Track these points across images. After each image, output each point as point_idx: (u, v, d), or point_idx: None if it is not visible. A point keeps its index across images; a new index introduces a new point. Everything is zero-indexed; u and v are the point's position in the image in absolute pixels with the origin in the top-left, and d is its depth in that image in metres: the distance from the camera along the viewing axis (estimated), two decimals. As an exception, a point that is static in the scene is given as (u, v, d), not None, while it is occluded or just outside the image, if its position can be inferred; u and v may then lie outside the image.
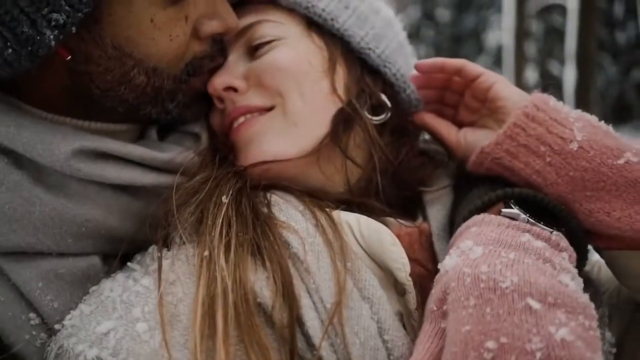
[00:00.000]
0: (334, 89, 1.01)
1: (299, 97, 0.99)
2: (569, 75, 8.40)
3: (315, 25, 1.05)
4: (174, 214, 0.87)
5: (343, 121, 1.00)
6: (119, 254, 0.89)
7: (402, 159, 1.05)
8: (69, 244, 0.87)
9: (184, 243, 0.85)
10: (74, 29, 0.82)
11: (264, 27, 1.03)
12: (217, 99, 1.03)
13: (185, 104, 0.97)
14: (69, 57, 0.86)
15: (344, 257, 0.84)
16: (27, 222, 0.84)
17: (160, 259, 0.83)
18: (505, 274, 0.72)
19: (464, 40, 22.81)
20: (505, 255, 0.75)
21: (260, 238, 0.85)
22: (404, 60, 1.12)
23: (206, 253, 0.81)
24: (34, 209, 0.84)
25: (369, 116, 1.03)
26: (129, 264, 0.87)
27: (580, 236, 0.91)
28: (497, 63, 20.70)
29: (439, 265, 0.81)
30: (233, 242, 0.83)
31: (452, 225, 0.97)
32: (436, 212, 1.00)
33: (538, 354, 0.64)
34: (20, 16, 0.79)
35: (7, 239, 0.83)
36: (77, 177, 0.87)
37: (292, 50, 1.01)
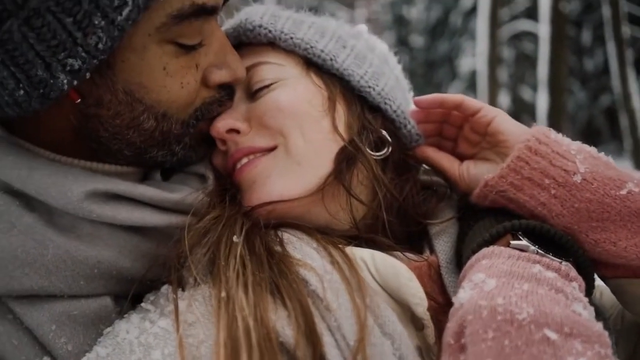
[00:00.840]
0: (335, 128, 1.01)
1: (300, 137, 0.99)
2: (542, 101, 8.60)
3: (314, 65, 1.06)
4: (186, 255, 0.87)
5: (346, 159, 1.01)
6: (130, 294, 0.89)
7: (407, 195, 1.06)
8: (81, 286, 0.87)
9: (198, 284, 0.85)
10: (87, 75, 0.83)
11: (264, 70, 1.04)
12: (220, 141, 1.04)
13: (191, 146, 0.98)
14: (79, 100, 0.87)
15: (362, 293, 0.84)
16: (39, 265, 0.84)
17: (176, 300, 0.82)
18: (521, 306, 0.72)
19: (437, 65, 23.19)
20: (519, 287, 0.76)
21: (277, 276, 0.84)
22: (402, 95, 1.13)
23: (223, 294, 0.81)
24: (47, 251, 0.84)
25: (371, 152, 1.03)
26: (142, 304, 0.86)
27: (588, 266, 0.93)
28: (470, 88, 21.07)
29: (453, 299, 0.81)
30: (250, 281, 0.82)
31: (459, 257, 0.99)
32: (443, 245, 1.01)
33: None
34: (36, 59, 0.79)
35: (20, 282, 0.83)
36: (89, 218, 0.88)
37: (292, 91, 1.02)
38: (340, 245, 0.93)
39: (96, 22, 0.79)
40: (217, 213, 0.94)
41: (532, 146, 0.95)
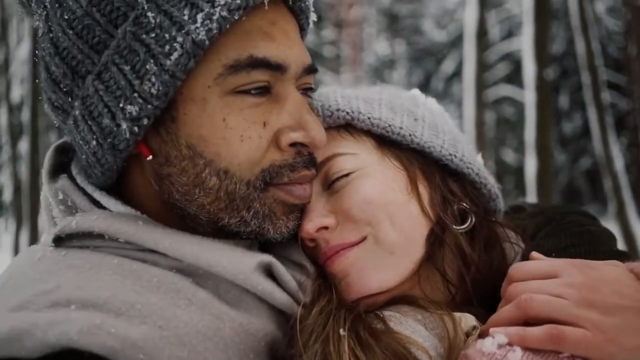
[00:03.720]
0: (422, 209, 1.01)
1: (390, 226, 0.99)
2: (530, 165, 8.76)
3: (387, 145, 1.06)
4: (301, 353, 0.88)
5: (436, 240, 1.01)
6: None
7: (495, 268, 1.04)
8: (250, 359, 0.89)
9: None
10: (146, 122, 0.87)
11: (339, 162, 1.03)
12: (309, 240, 1.02)
13: (264, 215, 0.94)
14: (151, 157, 0.90)
15: None
16: (218, 340, 0.85)
17: None
18: None
19: (419, 128, 23.69)
20: None
21: (389, 353, 0.85)
22: (473, 153, 1.13)
23: None
24: (224, 325, 0.87)
25: (457, 227, 1.02)
26: None
27: None
28: (452, 150, 21.50)
29: (478, 342, 0.82)
30: None
31: None
32: None
33: None
34: (104, 110, 0.87)
35: (204, 357, 0.83)
36: (253, 291, 0.91)
37: (373, 180, 1.01)
38: (447, 311, 0.93)
39: (149, 68, 0.84)
40: (321, 306, 0.94)
41: None
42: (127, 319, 0.80)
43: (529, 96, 8.94)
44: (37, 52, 0.98)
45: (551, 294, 0.78)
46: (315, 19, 1.04)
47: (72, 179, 0.99)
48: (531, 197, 8.62)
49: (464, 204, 1.05)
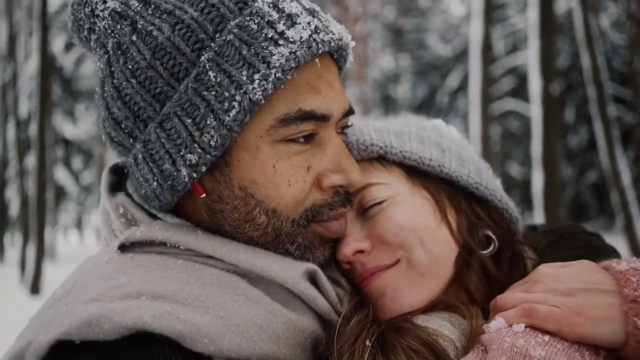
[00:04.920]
0: (451, 234, 1.10)
1: (421, 249, 1.07)
2: (537, 179, 8.74)
3: (417, 175, 1.13)
4: (335, 358, 0.96)
5: (464, 262, 1.09)
6: None
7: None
8: (297, 354, 0.97)
9: None
10: (204, 169, 0.95)
11: (373, 191, 1.10)
12: (345, 263, 1.10)
13: (305, 247, 1.02)
14: (204, 195, 0.98)
15: None
16: (271, 332, 0.94)
17: None
18: (536, 349, 0.84)
19: (425, 142, 23.69)
20: (540, 337, 0.87)
21: (414, 341, 0.94)
22: (495, 180, 1.20)
23: None
24: (276, 319, 0.95)
25: (483, 252, 1.11)
26: None
27: None
28: (457, 164, 21.48)
29: (484, 326, 0.93)
30: None
31: None
32: None
33: None
34: (165, 155, 0.95)
35: (259, 347, 0.92)
36: (299, 295, 0.99)
37: (405, 207, 1.09)
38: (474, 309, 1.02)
39: (209, 122, 0.92)
40: (359, 318, 1.01)
41: None
42: (193, 308, 0.89)
43: (535, 110, 8.95)
44: (96, 89, 1.05)
45: (523, 292, 0.96)
46: (352, 59, 1.11)
47: (129, 196, 1.06)
48: (538, 211, 8.60)
49: (489, 231, 1.13)
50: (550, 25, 8.68)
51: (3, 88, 21.73)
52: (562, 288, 0.90)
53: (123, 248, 1.00)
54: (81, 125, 23.79)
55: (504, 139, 20.08)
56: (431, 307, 1.06)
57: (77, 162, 25.20)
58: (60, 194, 23.79)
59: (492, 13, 12.07)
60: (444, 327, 0.97)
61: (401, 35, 26.44)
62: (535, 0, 8.73)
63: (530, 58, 9.06)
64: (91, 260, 1.03)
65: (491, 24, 11.21)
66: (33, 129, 13.96)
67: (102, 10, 1.01)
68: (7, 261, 21.05)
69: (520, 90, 17.70)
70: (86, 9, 1.03)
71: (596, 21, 10.31)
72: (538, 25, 8.61)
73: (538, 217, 8.49)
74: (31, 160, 15.55)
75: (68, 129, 23.79)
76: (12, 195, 23.67)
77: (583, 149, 19.04)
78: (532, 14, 8.85)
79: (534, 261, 1.16)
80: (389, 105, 25.69)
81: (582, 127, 18.72)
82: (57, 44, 18.52)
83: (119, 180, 1.12)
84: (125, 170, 1.09)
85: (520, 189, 19.49)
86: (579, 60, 12.42)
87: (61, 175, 23.32)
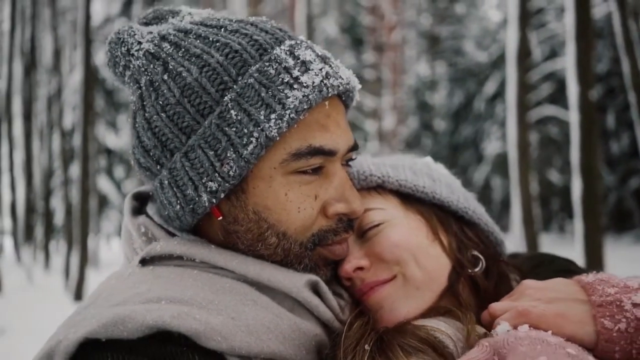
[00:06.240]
0: (443, 251, 1.23)
1: (415, 266, 1.19)
2: (576, 187, 8.58)
3: (410, 201, 1.27)
4: (341, 358, 1.05)
5: (456, 276, 1.22)
6: None
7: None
8: (303, 355, 1.06)
9: None
10: (222, 195, 1.06)
11: (370, 215, 1.24)
12: (346, 280, 1.21)
13: (311, 267, 1.13)
14: (221, 217, 1.09)
15: None
16: (278, 333, 1.03)
17: None
18: (549, 338, 0.92)
19: (462, 149, 23.48)
20: (550, 339, 0.94)
21: (412, 338, 1.02)
22: (481, 208, 1.35)
23: None
24: (282, 322, 1.05)
25: (472, 271, 1.23)
26: None
27: None
28: (495, 170, 21.22)
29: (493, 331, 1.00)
30: None
31: None
32: None
33: None
34: (188, 182, 1.07)
35: (267, 345, 1.01)
36: (303, 303, 1.09)
37: (400, 228, 1.22)
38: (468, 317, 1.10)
39: (229, 155, 1.03)
40: (362, 322, 1.12)
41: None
42: (207, 310, 0.99)
43: (573, 117, 8.79)
44: (127, 119, 1.18)
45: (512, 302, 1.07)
46: (359, 99, 1.23)
47: (149, 218, 1.18)
48: (577, 219, 8.42)
49: (477, 251, 1.27)
50: (587, 29, 8.52)
51: (49, 100, 22.46)
52: (544, 297, 1.03)
53: (144, 262, 1.12)
54: (123, 135, 24.38)
55: (544, 146, 19.71)
56: (427, 313, 1.16)
57: (119, 171, 25.76)
58: (103, 202, 24.33)
59: (529, 19, 11.93)
60: (440, 325, 1.05)
61: (437, 43, 26.32)
62: (571, 5, 8.60)
63: (568, 63, 8.91)
64: (114, 275, 1.14)
65: (528, 29, 11.07)
66: (77, 140, 14.34)
67: (137, 51, 1.13)
68: (52, 268, 21.58)
69: (559, 96, 17.38)
70: (122, 48, 1.15)
71: (636, 25, 10.07)
72: (575, 30, 8.48)
73: (578, 225, 8.33)
74: (75, 170, 15.96)
75: (110, 140, 24.46)
76: (57, 204, 24.40)
77: (625, 156, 18.54)
78: (569, 19, 8.72)
79: (518, 282, 1.24)
80: (425, 112, 25.57)
81: (624, 133, 18.25)
82: (100, 56, 19.09)
83: (140, 205, 1.25)
84: (146, 196, 1.24)
85: (560, 196, 19.12)
86: (620, 65, 12.15)
87: (104, 184, 23.91)
